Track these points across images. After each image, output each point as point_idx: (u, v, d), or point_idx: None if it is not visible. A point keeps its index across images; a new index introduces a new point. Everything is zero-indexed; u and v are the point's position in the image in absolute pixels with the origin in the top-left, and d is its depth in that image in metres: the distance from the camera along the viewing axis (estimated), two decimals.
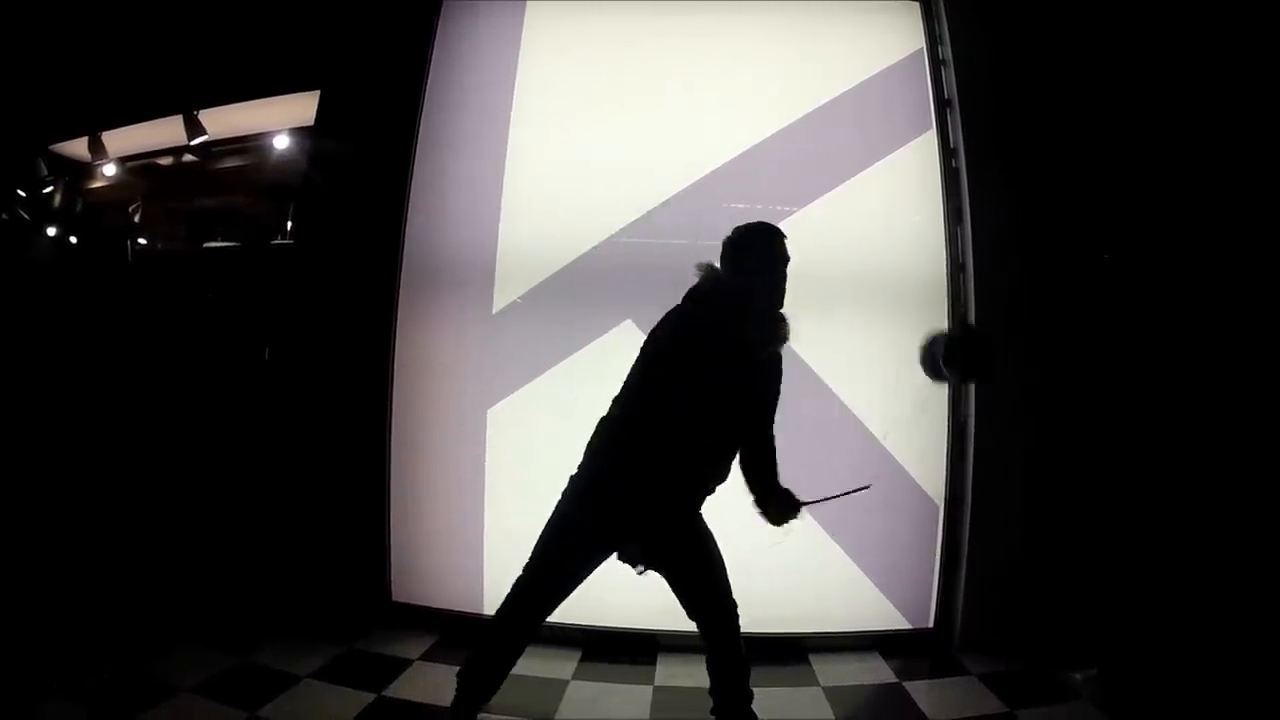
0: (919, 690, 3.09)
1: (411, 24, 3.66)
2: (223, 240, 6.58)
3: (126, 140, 5.89)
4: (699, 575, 2.37)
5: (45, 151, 6.01)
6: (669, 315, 2.26)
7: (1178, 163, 3.54)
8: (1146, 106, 3.55)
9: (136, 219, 6.89)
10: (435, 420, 3.54)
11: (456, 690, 2.33)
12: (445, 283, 3.54)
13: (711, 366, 2.17)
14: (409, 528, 3.55)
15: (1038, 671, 3.18)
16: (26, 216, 5.94)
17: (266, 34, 4.42)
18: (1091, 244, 3.58)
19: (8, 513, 3.78)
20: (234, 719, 2.69)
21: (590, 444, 2.32)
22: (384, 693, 2.93)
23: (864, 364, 3.42)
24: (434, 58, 3.65)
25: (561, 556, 2.29)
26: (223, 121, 5.56)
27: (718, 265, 2.32)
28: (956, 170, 3.49)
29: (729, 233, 2.37)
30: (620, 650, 3.30)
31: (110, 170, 6.24)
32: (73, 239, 6.35)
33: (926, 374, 2.72)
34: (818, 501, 2.38)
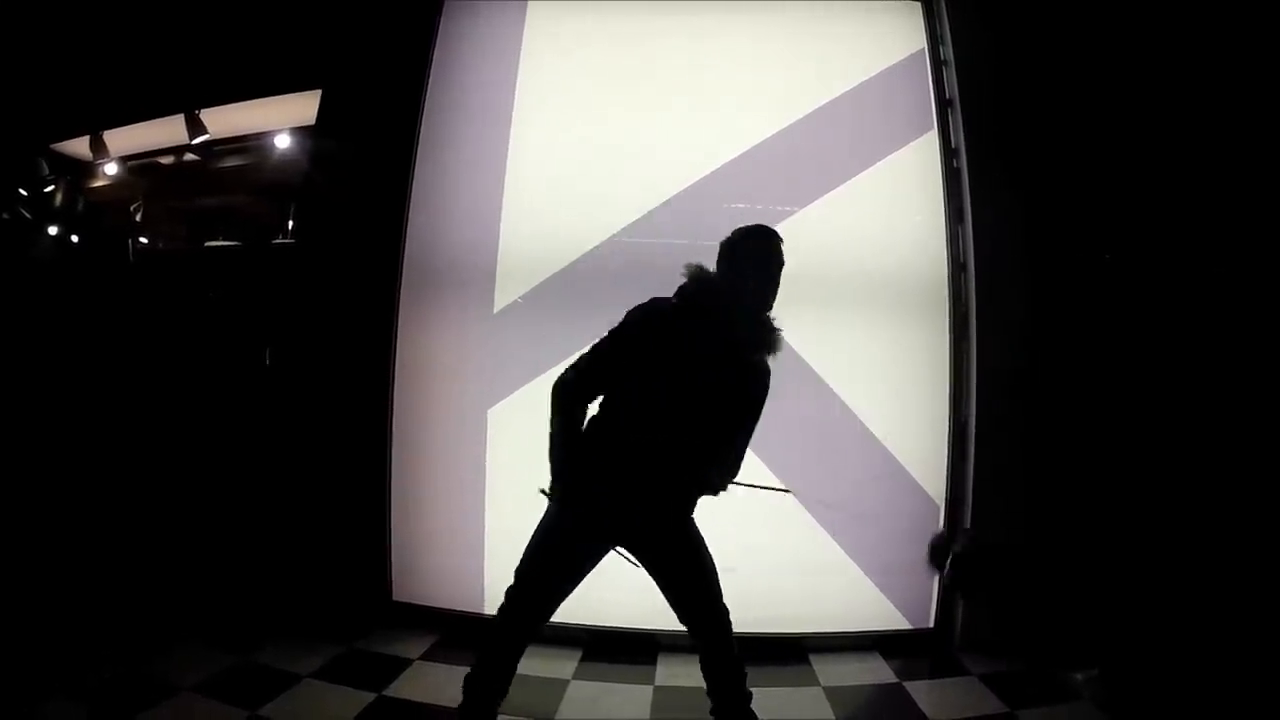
0: (919, 690, 3.09)
1: (413, 24, 3.66)
2: (224, 240, 6.58)
3: (128, 139, 5.89)
4: (690, 581, 2.36)
5: (47, 150, 6.01)
6: (637, 306, 2.25)
7: (1179, 163, 3.54)
8: (1148, 106, 3.55)
9: (138, 218, 6.89)
10: (436, 420, 3.55)
11: (463, 697, 2.33)
12: (446, 282, 3.54)
13: (693, 364, 2.16)
14: (410, 527, 3.56)
15: (1038, 672, 3.18)
16: (28, 215, 5.94)
17: (268, 33, 4.42)
18: (1093, 244, 3.58)
19: (9, 512, 3.78)
20: (235, 718, 2.69)
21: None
22: (384, 692, 2.94)
23: (865, 364, 3.43)
24: (435, 57, 3.65)
25: (548, 561, 2.28)
26: (224, 121, 5.56)
27: (705, 265, 2.30)
28: (958, 170, 3.49)
29: (728, 234, 2.37)
30: (621, 650, 3.30)
31: (112, 169, 6.24)
32: (74, 238, 6.35)
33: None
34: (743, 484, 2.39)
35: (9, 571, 3.50)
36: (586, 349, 2.27)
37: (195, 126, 5.50)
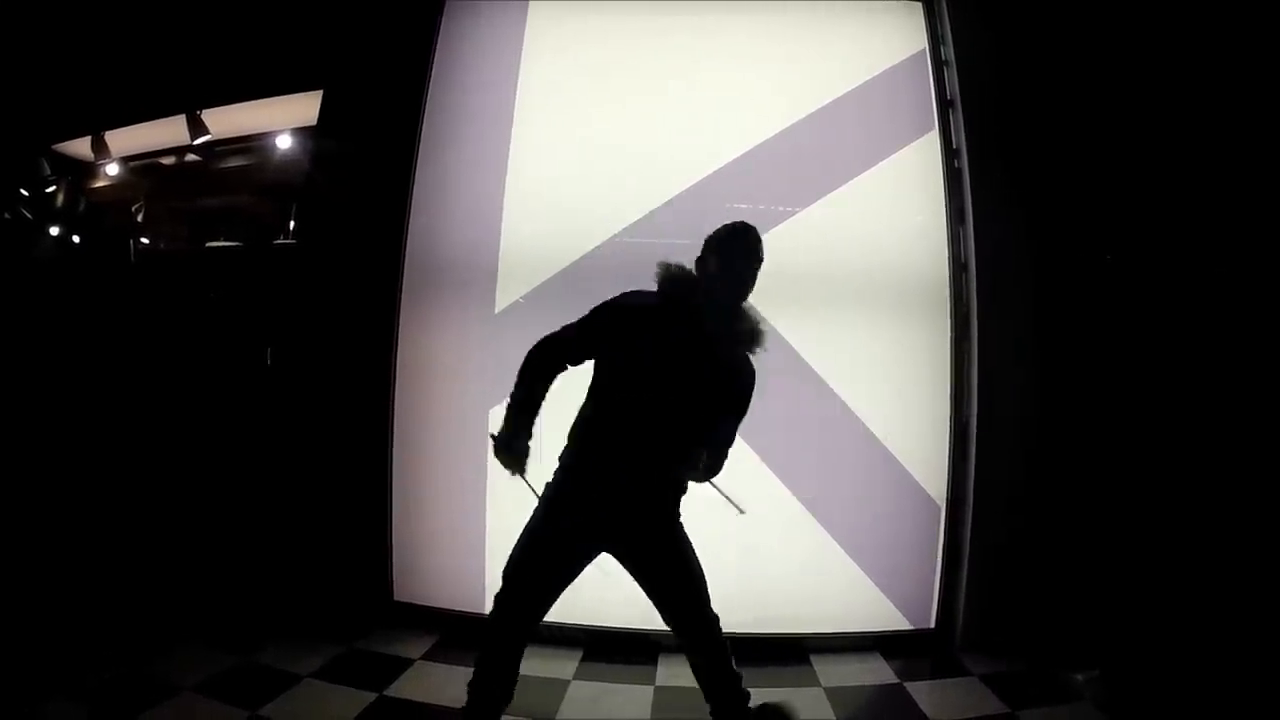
0: (920, 691, 3.09)
1: (414, 24, 3.66)
2: (225, 240, 6.59)
3: (129, 140, 5.90)
4: (676, 584, 2.33)
5: (48, 151, 6.02)
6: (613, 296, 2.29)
7: (1180, 163, 3.54)
8: (1149, 107, 3.55)
9: (139, 219, 6.91)
10: (437, 420, 3.55)
11: (467, 699, 2.33)
12: (448, 282, 3.54)
13: (669, 357, 2.16)
14: (411, 527, 3.56)
15: (1039, 672, 3.18)
16: (30, 216, 5.95)
17: (269, 34, 4.43)
18: (1094, 244, 3.58)
19: (10, 512, 3.78)
20: (235, 718, 2.69)
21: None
22: (385, 692, 2.94)
23: (866, 364, 3.42)
24: (436, 58, 3.65)
25: (534, 561, 2.28)
26: (225, 121, 5.57)
27: (680, 263, 2.32)
28: (959, 170, 3.49)
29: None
30: (621, 650, 3.30)
31: (113, 170, 6.25)
32: (75, 238, 6.37)
33: None
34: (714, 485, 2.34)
35: (10, 571, 3.51)
36: (558, 327, 2.30)
37: (197, 127, 5.51)
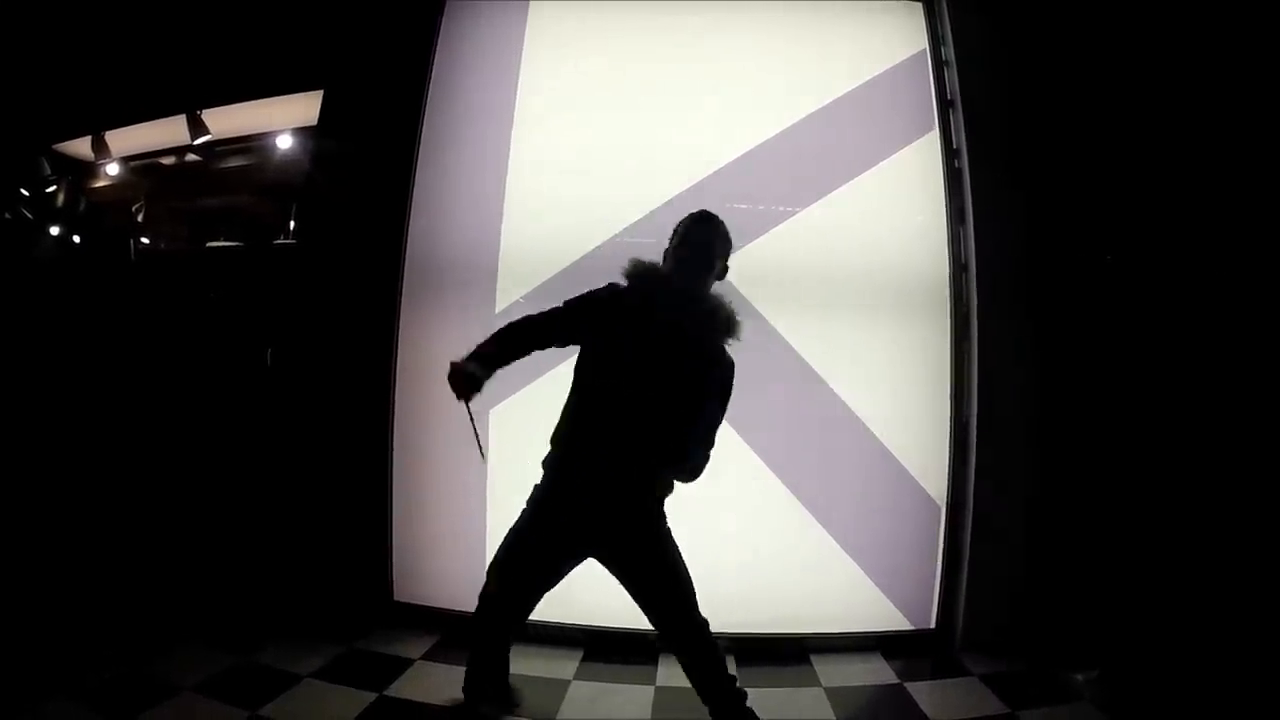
0: (921, 691, 3.09)
1: (414, 24, 3.66)
2: (225, 240, 6.59)
3: (130, 139, 5.90)
4: (662, 590, 2.32)
5: (48, 151, 6.02)
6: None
7: (1181, 163, 3.53)
8: (1150, 107, 3.55)
9: (139, 219, 6.91)
10: (438, 420, 3.54)
11: (464, 700, 2.33)
12: (448, 283, 3.54)
13: (642, 349, 2.17)
14: (411, 528, 3.56)
15: (1040, 672, 3.18)
16: (30, 215, 5.95)
17: (269, 34, 4.43)
18: (1094, 244, 3.58)
19: (10, 512, 3.78)
20: (236, 718, 2.69)
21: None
22: (385, 692, 2.93)
23: (866, 364, 3.42)
24: (437, 58, 3.65)
25: (517, 562, 2.28)
26: (226, 121, 5.57)
27: (646, 259, 2.35)
28: (959, 171, 3.49)
29: None
30: (622, 650, 3.29)
31: (113, 169, 6.25)
32: (76, 238, 6.37)
33: None
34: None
35: (10, 571, 3.51)
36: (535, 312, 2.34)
37: (197, 127, 5.52)
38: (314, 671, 3.06)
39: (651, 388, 2.17)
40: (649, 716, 2.88)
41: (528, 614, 2.33)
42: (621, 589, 2.41)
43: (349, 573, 3.55)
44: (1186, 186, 3.54)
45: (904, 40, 3.60)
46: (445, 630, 3.42)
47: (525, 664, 3.15)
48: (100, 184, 6.47)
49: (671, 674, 3.15)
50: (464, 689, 2.34)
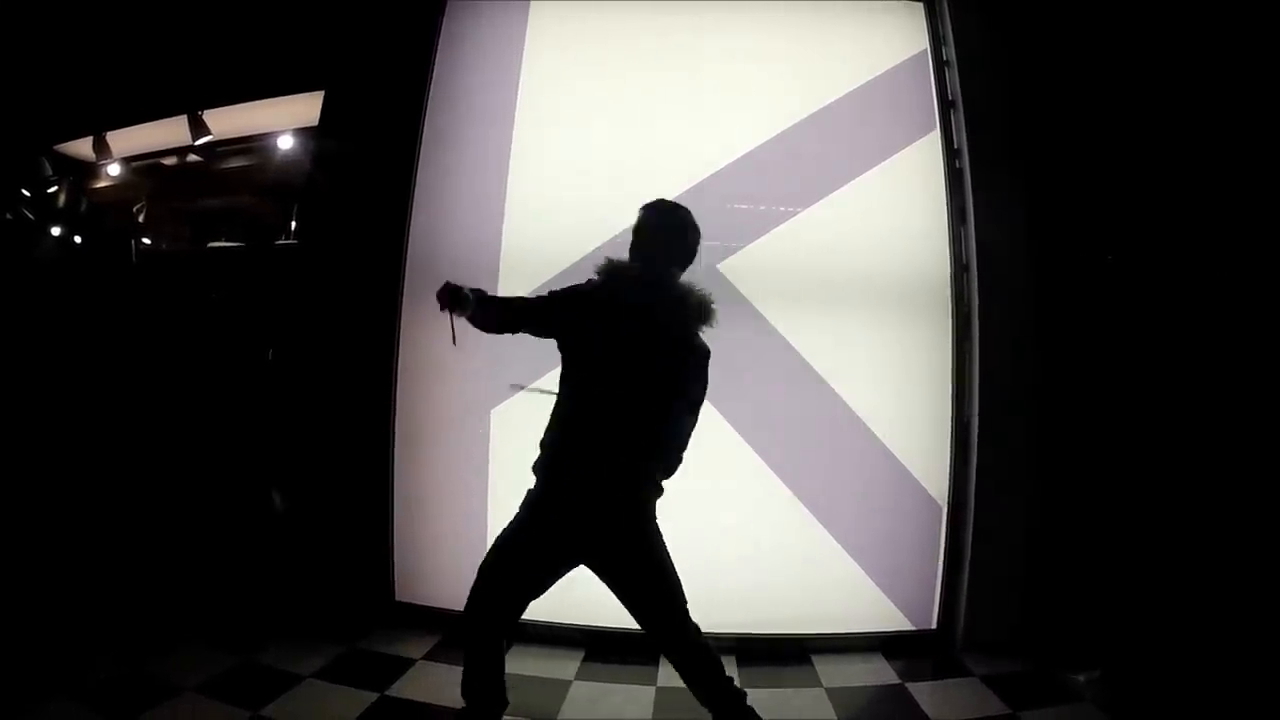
0: (922, 692, 3.09)
1: (415, 24, 3.66)
2: (227, 241, 6.59)
3: (131, 140, 5.90)
4: (653, 597, 2.28)
5: (50, 151, 6.02)
6: None
7: (1181, 164, 3.53)
8: (1150, 107, 3.55)
9: (141, 219, 6.91)
10: (439, 420, 3.55)
11: (464, 704, 2.32)
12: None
13: (618, 342, 2.17)
14: (413, 528, 3.56)
15: (1041, 673, 3.18)
16: (31, 216, 5.96)
17: (270, 34, 4.43)
18: (1095, 244, 3.58)
19: (12, 512, 3.79)
20: (237, 718, 2.69)
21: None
22: (386, 692, 2.94)
23: (867, 364, 3.42)
24: (438, 58, 3.66)
25: (506, 567, 2.25)
26: (227, 122, 5.57)
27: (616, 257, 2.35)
28: (960, 171, 3.49)
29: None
30: (623, 651, 3.29)
31: (114, 170, 6.25)
32: (77, 239, 6.38)
33: None
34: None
35: (11, 571, 3.51)
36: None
37: (198, 127, 5.52)
38: (315, 672, 3.06)
39: (628, 382, 2.16)
40: (650, 717, 2.88)
41: (515, 619, 2.32)
42: None
43: (350, 573, 3.55)
44: (1187, 186, 3.54)
45: (905, 40, 3.60)
46: (447, 630, 3.42)
47: (526, 664, 3.15)
48: (101, 184, 6.48)
49: (672, 674, 3.11)
50: (462, 692, 2.33)
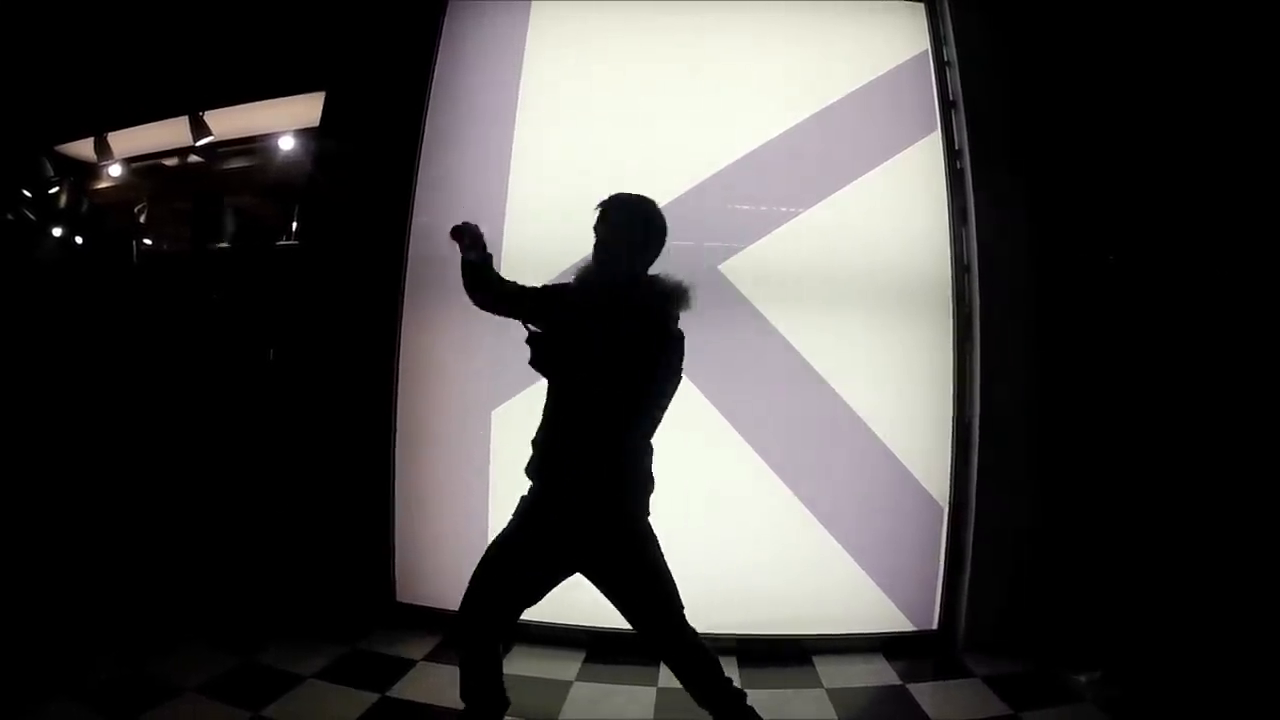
0: (923, 692, 3.09)
1: (416, 24, 3.66)
2: (228, 241, 6.60)
3: (132, 141, 5.91)
4: (648, 602, 2.25)
5: (51, 152, 6.03)
6: None
7: (1183, 164, 3.53)
8: (1151, 107, 3.54)
9: (142, 220, 6.92)
10: (440, 421, 3.55)
11: (464, 707, 2.32)
12: (450, 283, 3.52)
13: (596, 337, 2.16)
14: (414, 528, 3.56)
15: (1042, 674, 3.17)
16: (32, 217, 5.96)
17: (271, 35, 4.43)
18: (1096, 245, 3.58)
19: (13, 512, 3.79)
20: (238, 719, 2.69)
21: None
22: (388, 693, 2.94)
23: (868, 365, 3.42)
24: (439, 58, 3.66)
25: (498, 575, 2.24)
26: (228, 122, 5.57)
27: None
28: (961, 171, 3.49)
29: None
30: (624, 651, 3.28)
31: (116, 171, 6.25)
32: (78, 239, 6.39)
33: None
34: None
35: (13, 571, 3.51)
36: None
37: (199, 128, 5.52)
38: (316, 672, 3.06)
39: (605, 378, 2.15)
40: (651, 717, 2.88)
41: (509, 627, 2.31)
42: None
43: (351, 573, 3.55)
44: (1189, 187, 3.54)
45: (906, 41, 3.60)
46: (447, 631, 3.42)
47: (527, 665, 3.15)
48: (103, 185, 6.48)
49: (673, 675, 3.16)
50: (461, 695, 2.33)
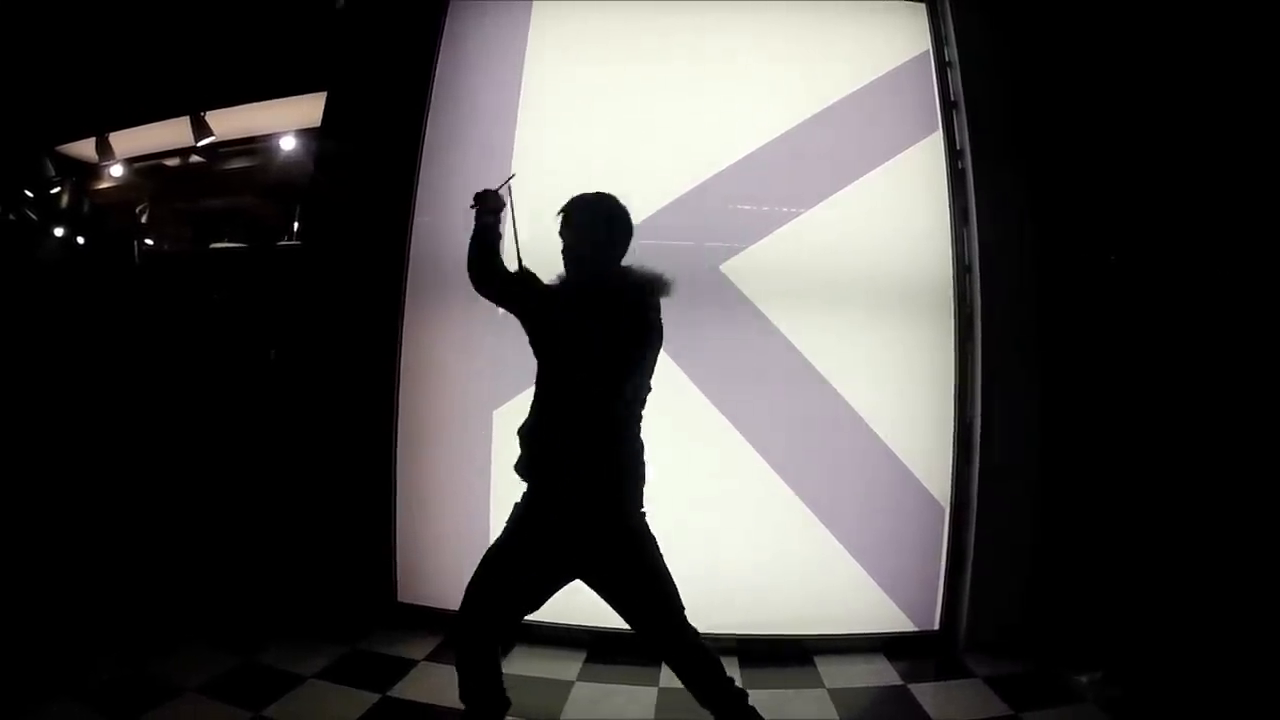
0: (924, 693, 3.08)
1: (418, 25, 3.66)
2: (229, 241, 6.61)
3: (133, 141, 5.92)
4: (648, 604, 2.24)
5: (52, 152, 6.04)
6: None
7: (1184, 164, 3.53)
8: (1153, 107, 3.54)
9: (143, 220, 6.93)
10: (441, 421, 3.55)
11: (464, 709, 2.31)
12: (451, 283, 3.52)
13: (579, 333, 2.17)
14: (415, 528, 3.56)
15: (1044, 674, 3.17)
16: (34, 217, 5.97)
17: (273, 36, 4.44)
18: (1098, 245, 3.58)
19: (14, 512, 3.79)
20: (238, 719, 2.69)
21: None
22: (388, 693, 2.94)
23: (869, 365, 3.42)
24: (440, 58, 3.65)
25: (494, 583, 2.24)
26: (229, 123, 5.58)
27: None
28: (962, 171, 3.49)
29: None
30: (625, 651, 3.28)
31: (117, 171, 6.26)
32: (80, 240, 6.39)
33: None
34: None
35: (14, 571, 3.51)
36: None
37: (200, 128, 5.53)
38: (317, 672, 3.06)
39: (589, 366, 2.15)
40: (652, 717, 2.88)
41: (508, 633, 2.30)
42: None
43: (352, 573, 3.55)
44: (1190, 187, 3.54)
45: (907, 41, 3.59)
46: (449, 631, 3.42)
47: (528, 665, 3.15)
48: (104, 185, 6.49)
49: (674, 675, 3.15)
50: (460, 697, 2.32)
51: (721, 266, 3.40)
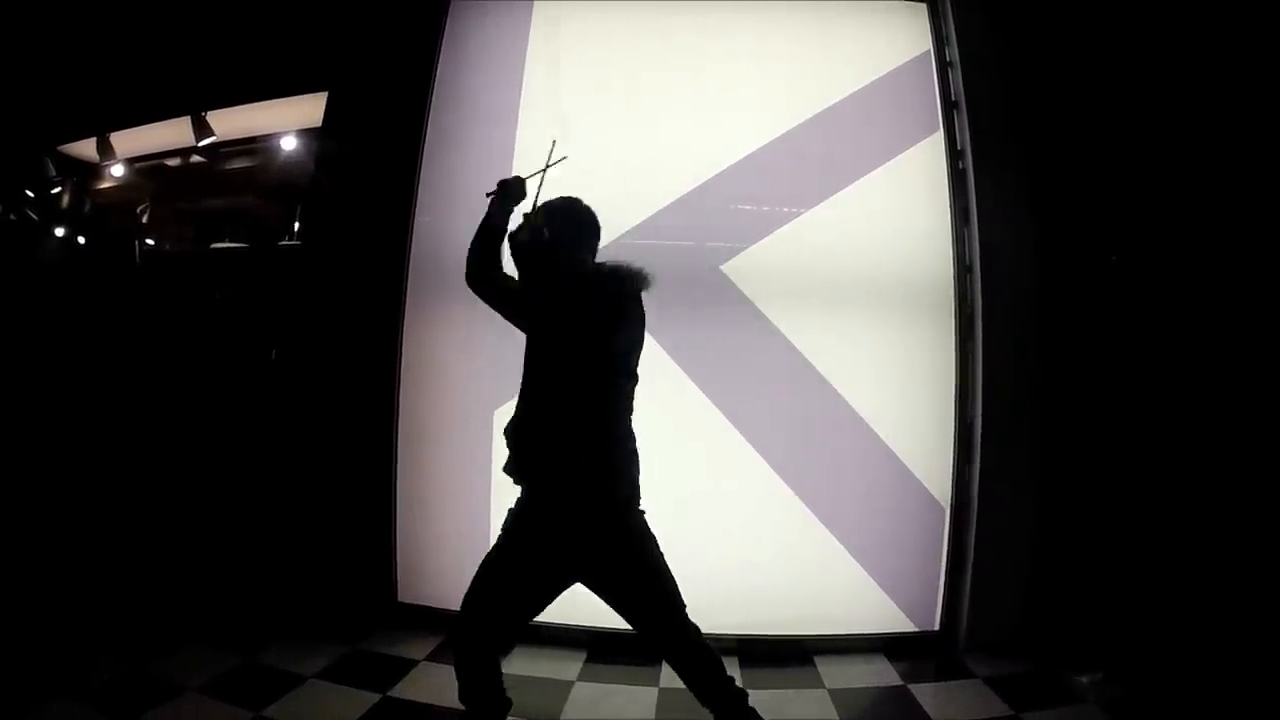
0: (925, 693, 3.08)
1: (419, 24, 3.67)
2: (230, 241, 6.61)
3: (134, 141, 5.91)
4: (646, 598, 2.22)
5: (53, 152, 6.04)
6: None
7: (1185, 164, 3.53)
8: (1154, 107, 3.54)
9: (144, 220, 6.93)
10: (442, 421, 3.55)
11: (465, 710, 2.31)
12: (452, 283, 3.52)
13: (567, 331, 2.18)
14: (415, 528, 3.56)
15: (1044, 674, 3.17)
16: (35, 217, 5.97)
17: (274, 35, 4.43)
18: (1099, 245, 3.57)
19: (15, 512, 3.79)
20: (239, 719, 2.70)
21: None
22: (389, 693, 2.94)
23: (870, 365, 3.42)
24: (441, 58, 3.66)
25: (492, 590, 2.23)
26: (230, 123, 5.58)
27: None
28: (963, 171, 3.48)
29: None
30: (625, 651, 3.28)
31: (118, 171, 6.26)
32: (81, 240, 6.40)
33: None
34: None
35: (15, 571, 3.52)
36: None
37: (202, 128, 5.53)
38: (318, 672, 3.07)
39: (561, 366, 2.15)
40: (653, 717, 2.88)
41: (509, 637, 2.29)
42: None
43: (353, 573, 3.55)
44: (1192, 187, 3.53)
45: (908, 41, 3.59)
46: (449, 631, 3.42)
47: (528, 665, 3.15)
48: (105, 185, 6.49)
49: (675, 675, 3.15)
50: (460, 699, 2.32)
51: (722, 266, 3.40)
